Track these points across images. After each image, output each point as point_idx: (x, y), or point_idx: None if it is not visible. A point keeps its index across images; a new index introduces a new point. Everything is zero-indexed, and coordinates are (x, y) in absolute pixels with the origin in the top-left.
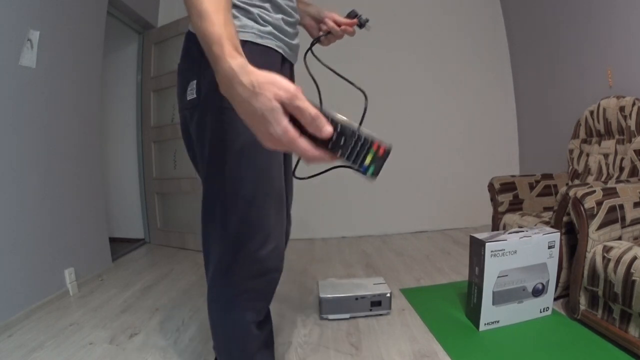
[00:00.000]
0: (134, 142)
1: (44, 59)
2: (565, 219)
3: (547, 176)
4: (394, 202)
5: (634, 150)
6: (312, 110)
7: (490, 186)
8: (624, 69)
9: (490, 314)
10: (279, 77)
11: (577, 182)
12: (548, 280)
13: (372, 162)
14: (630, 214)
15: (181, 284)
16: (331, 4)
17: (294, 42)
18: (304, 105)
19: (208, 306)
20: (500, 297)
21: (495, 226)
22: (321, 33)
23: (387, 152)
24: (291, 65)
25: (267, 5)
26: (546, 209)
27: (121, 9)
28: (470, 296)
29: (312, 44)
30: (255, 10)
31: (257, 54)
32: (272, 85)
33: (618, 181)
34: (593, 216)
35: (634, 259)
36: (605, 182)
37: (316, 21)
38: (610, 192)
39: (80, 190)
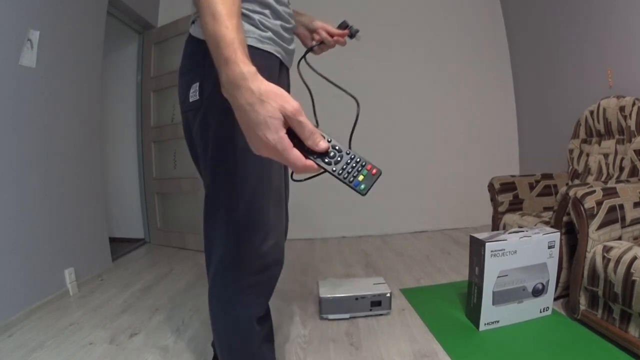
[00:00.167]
0: (134, 142)
1: (44, 59)
2: (565, 219)
3: (547, 176)
4: (394, 202)
5: (634, 150)
6: (311, 127)
7: (490, 186)
8: (624, 69)
9: (490, 314)
10: (286, 93)
11: (577, 182)
12: (548, 280)
13: (364, 180)
14: (630, 214)
15: (181, 284)
16: (333, 8)
17: (291, 47)
18: (305, 121)
19: (209, 302)
20: (500, 297)
21: (495, 226)
22: (314, 42)
23: (378, 174)
24: (287, 69)
25: (267, 11)
26: (546, 209)
27: (121, 9)
28: (470, 296)
29: (306, 53)
30: (256, 17)
31: (258, 58)
32: (279, 97)
33: (618, 181)
34: (593, 216)
35: (634, 259)
36: (605, 182)
37: (309, 30)
38: (610, 192)
39: (80, 190)
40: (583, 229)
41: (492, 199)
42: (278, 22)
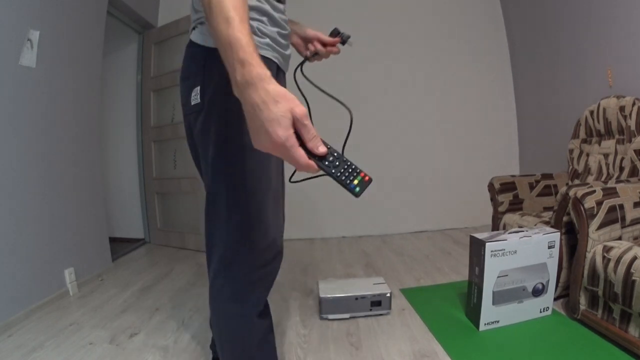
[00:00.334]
0: (134, 142)
1: (44, 59)
2: (565, 218)
3: (547, 176)
4: (394, 202)
5: (634, 150)
6: (314, 131)
7: (490, 186)
8: (624, 69)
9: (490, 313)
10: (295, 97)
11: (577, 182)
12: (548, 280)
13: (358, 184)
14: (630, 213)
15: (181, 284)
16: (333, 8)
17: (287, 52)
18: (309, 125)
19: (210, 298)
20: (500, 297)
21: (495, 226)
22: (308, 53)
23: (370, 181)
24: (284, 74)
25: (264, 19)
26: (546, 208)
27: (121, 9)
28: (470, 296)
29: (301, 63)
30: (254, 24)
31: None
32: (290, 100)
33: (618, 181)
34: (593, 216)
35: (634, 259)
36: (605, 182)
37: (302, 39)
38: (610, 192)
39: (80, 190)
40: (583, 229)
41: (492, 199)
42: (275, 29)
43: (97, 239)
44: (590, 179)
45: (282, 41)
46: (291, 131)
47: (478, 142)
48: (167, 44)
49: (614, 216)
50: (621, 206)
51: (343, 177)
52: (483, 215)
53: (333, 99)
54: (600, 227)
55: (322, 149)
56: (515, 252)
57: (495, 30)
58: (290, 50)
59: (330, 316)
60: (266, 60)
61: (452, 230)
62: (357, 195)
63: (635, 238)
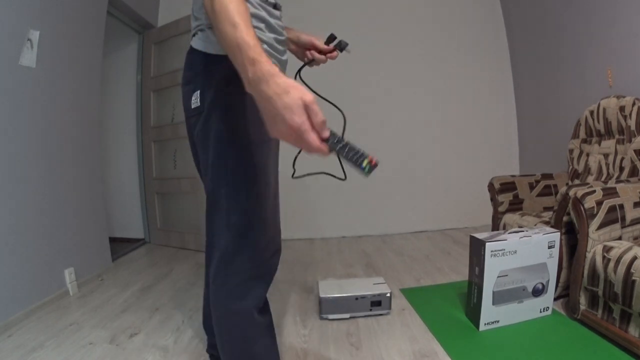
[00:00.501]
0: (134, 142)
1: (44, 58)
2: (565, 218)
3: (547, 176)
4: (394, 202)
5: (634, 150)
6: (322, 116)
7: (490, 186)
8: (624, 69)
9: (490, 313)
10: (303, 87)
11: (577, 182)
12: (548, 280)
13: (367, 165)
14: (630, 213)
15: (181, 284)
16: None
17: (284, 58)
18: (318, 110)
19: (211, 296)
20: (500, 297)
21: (495, 226)
22: (306, 60)
23: (377, 164)
24: None
25: (262, 25)
26: (546, 208)
27: (121, 9)
28: (470, 296)
29: (300, 70)
30: None
31: None
32: (299, 89)
33: (618, 181)
34: (593, 216)
35: (634, 258)
36: (605, 182)
37: (297, 45)
38: (610, 192)
39: (80, 190)
40: (583, 229)
41: (492, 199)
42: (272, 35)
43: (97, 239)
44: (590, 179)
45: (279, 47)
46: (305, 117)
47: (478, 142)
48: (167, 44)
49: (614, 216)
50: (621, 206)
51: (354, 159)
52: (483, 215)
53: (329, 103)
54: (600, 227)
55: (325, 134)
56: (515, 252)
57: (495, 30)
58: (287, 56)
59: (330, 316)
60: None
61: (452, 230)
62: (366, 174)
63: (635, 238)
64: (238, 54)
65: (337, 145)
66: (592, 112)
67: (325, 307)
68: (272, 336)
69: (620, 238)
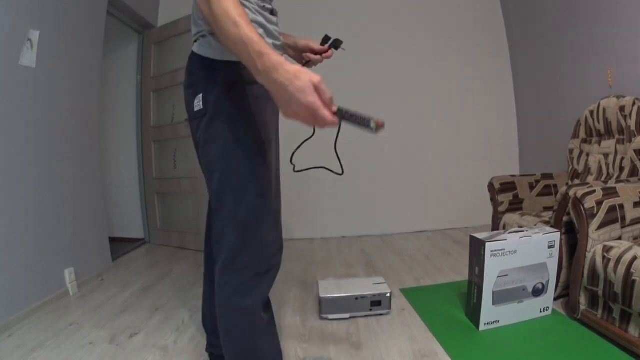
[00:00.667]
0: (134, 142)
1: (44, 59)
2: (565, 218)
3: (547, 176)
4: (394, 202)
5: (634, 150)
6: (330, 93)
7: (490, 186)
8: (624, 69)
9: (490, 313)
10: (309, 70)
11: (577, 181)
12: (548, 280)
13: (374, 125)
14: (630, 213)
15: (181, 284)
16: (333, 8)
17: None
18: (325, 88)
19: (217, 292)
20: (500, 297)
21: (495, 226)
22: (303, 62)
23: (383, 124)
24: None
25: (260, 31)
26: (546, 208)
27: (121, 9)
28: (470, 296)
29: None
30: None
31: None
32: (307, 73)
33: (618, 181)
34: (593, 216)
35: (634, 258)
36: (605, 182)
37: (294, 50)
38: (610, 192)
39: (80, 190)
40: (583, 229)
41: (492, 199)
42: (270, 41)
43: (97, 239)
44: (590, 178)
45: (276, 52)
46: (317, 96)
47: (478, 142)
48: (167, 44)
49: (614, 216)
50: (621, 206)
51: (363, 122)
52: (483, 215)
53: None
54: (600, 227)
55: (334, 107)
56: (515, 252)
57: (495, 30)
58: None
59: (330, 316)
60: None
61: (452, 230)
62: (374, 132)
63: (635, 238)
64: (244, 49)
65: (346, 115)
66: (592, 112)
67: (325, 307)
68: (274, 332)
69: (620, 238)
